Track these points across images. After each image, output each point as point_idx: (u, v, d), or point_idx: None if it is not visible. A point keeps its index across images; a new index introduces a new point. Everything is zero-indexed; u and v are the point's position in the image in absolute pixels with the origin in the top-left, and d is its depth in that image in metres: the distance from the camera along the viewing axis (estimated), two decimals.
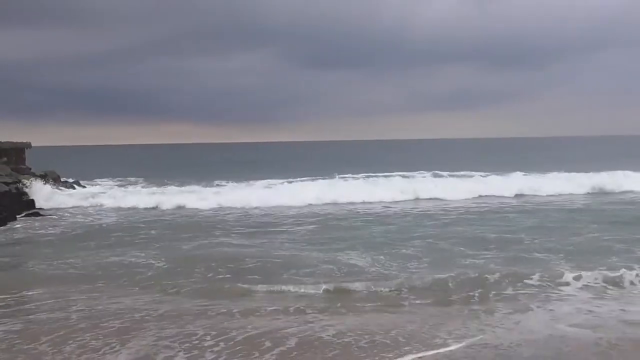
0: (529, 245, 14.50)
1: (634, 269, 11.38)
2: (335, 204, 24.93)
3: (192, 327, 8.53)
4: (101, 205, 25.39)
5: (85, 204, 25.60)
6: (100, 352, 7.57)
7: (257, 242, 15.79)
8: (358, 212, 22.47)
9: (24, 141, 32.32)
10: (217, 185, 32.84)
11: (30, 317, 9.24)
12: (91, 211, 23.95)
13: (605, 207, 22.51)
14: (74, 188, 31.33)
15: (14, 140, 31.50)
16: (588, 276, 10.85)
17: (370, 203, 25.05)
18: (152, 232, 18.13)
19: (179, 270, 12.37)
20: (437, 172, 38.19)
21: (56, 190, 28.01)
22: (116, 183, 37.98)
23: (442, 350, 7.48)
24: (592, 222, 18.02)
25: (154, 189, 31.38)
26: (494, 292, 10.22)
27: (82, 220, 21.34)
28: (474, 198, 26.24)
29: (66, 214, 22.84)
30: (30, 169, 30.98)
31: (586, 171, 32.13)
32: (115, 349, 7.67)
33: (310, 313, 9.19)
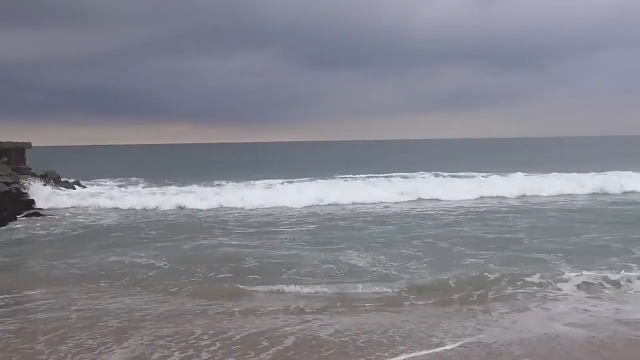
0: (529, 245, 14.52)
1: (633, 269, 11.43)
2: (335, 204, 24.92)
3: (190, 326, 8.55)
4: (101, 205, 25.39)
5: (85, 204, 25.59)
6: (96, 352, 7.58)
7: (257, 242, 15.81)
8: (358, 212, 22.47)
9: (24, 141, 32.35)
10: (217, 185, 32.84)
11: (30, 316, 9.26)
12: (91, 211, 23.97)
13: (606, 207, 22.52)
14: (74, 188, 31.35)
15: (14, 140, 31.54)
16: (586, 276, 10.86)
17: (370, 203, 25.05)
18: (153, 232, 18.16)
19: (180, 270, 12.40)
20: (438, 172, 38.16)
21: (56, 190, 28.04)
22: (116, 183, 38.01)
23: (437, 349, 7.51)
24: (592, 223, 18.03)
25: (154, 189, 31.41)
26: (492, 291, 10.23)
27: (82, 220, 21.37)
28: (475, 199, 26.21)
29: (66, 214, 22.87)
30: (30, 169, 31.01)
31: (586, 171, 32.15)
32: (111, 349, 7.68)
33: (309, 313, 9.21)
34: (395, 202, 25.43)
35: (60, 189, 28.91)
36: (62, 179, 32.46)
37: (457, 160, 62.87)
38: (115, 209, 24.53)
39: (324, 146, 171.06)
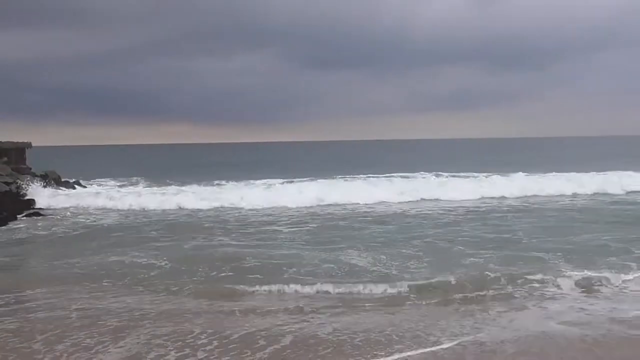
0: (528, 245, 14.54)
1: (632, 269, 11.47)
2: (335, 204, 24.93)
3: (189, 325, 8.59)
4: (102, 205, 25.40)
5: (85, 204, 25.58)
6: (92, 351, 7.61)
7: (257, 242, 15.84)
8: (358, 212, 22.48)
9: (25, 141, 32.41)
10: (217, 185, 32.88)
11: (29, 316, 9.29)
12: (92, 211, 23.98)
13: (606, 207, 22.54)
14: (74, 188, 31.39)
15: (15, 140, 31.59)
16: (585, 275, 10.92)
17: (370, 204, 25.06)
18: (153, 232, 18.18)
19: (181, 269, 12.42)
20: (438, 172, 38.09)
21: (57, 190, 28.09)
22: (117, 183, 38.04)
23: (434, 348, 7.55)
24: (592, 222, 18.06)
25: (155, 189, 31.45)
26: (492, 291, 10.28)
27: (83, 220, 21.39)
28: (476, 199, 26.17)
29: (67, 214, 22.88)
30: (30, 169, 31.06)
31: (587, 171, 32.14)
32: (107, 348, 7.71)
33: (308, 312, 9.25)
34: (396, 202, 25.43)
35: (60, 189, 28.95)
36: (63, 179, 32.50)
37: (457, 160, 62.86)
38: (116, 209, 24.54)
39: (324, 146, 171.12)
